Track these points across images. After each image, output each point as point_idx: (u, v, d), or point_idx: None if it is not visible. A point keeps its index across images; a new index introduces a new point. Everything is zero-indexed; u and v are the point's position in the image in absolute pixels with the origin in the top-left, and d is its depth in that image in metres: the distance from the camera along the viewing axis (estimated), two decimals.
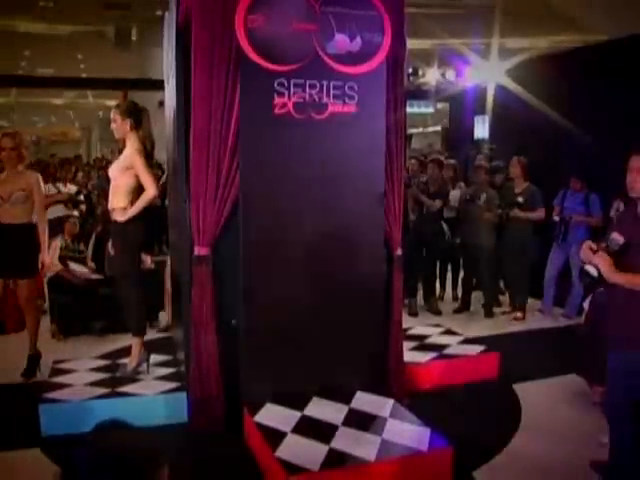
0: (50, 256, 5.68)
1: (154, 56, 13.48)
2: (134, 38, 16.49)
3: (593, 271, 3.19)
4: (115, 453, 1.37)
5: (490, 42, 13.57)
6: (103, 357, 5.28)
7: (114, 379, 4.69)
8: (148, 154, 4.67)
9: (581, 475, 3.80)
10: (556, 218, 7.23)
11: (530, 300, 7.53)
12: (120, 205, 4.53)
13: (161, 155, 6.43)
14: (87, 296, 6.48)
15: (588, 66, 7.81)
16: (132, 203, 4.52)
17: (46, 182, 8.80)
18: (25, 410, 4.36)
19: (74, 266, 6.76)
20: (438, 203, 7.42)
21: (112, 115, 4.67)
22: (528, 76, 8.91)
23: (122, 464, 1.35)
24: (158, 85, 6.36)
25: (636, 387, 3.20)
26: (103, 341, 6.15)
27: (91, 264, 6.96)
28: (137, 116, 4.64)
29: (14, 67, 19.58)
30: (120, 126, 4.63)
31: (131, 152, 4.56)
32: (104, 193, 9.79)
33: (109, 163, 15.63)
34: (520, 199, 7.22)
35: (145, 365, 4.80)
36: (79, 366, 5.01)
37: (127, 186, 4.53)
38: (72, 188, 9.31)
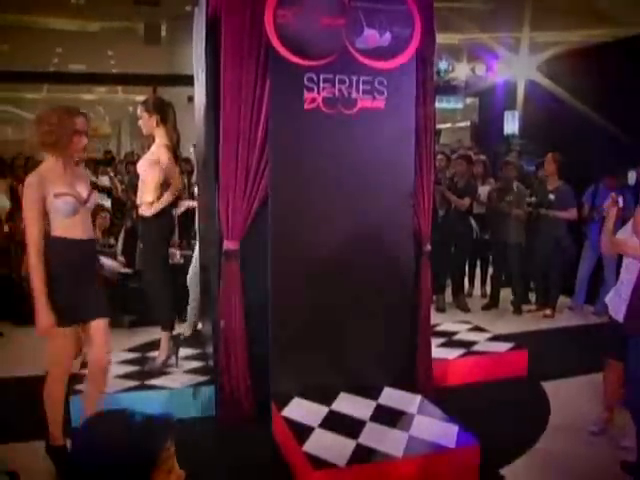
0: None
1: (183, 52, 13.55)
2: (164, 34, 16.61)
3: None
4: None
5: (520, 36, 13.43)
6: (133, 350, 5.33)
7: (143, 372, 4.74)
8: (175, 149, 4.71)
9: (610, 476, 3.75)
10: (595, 215, 7.08)
11: (560, 297, 7.45)
12: (148, 200, 4.56)
13: (186, 152, 6.47)
14: (117, 290, 6.56)
15: (620, 60, 7.68)
16: (159, 198, 4.55)
17: None
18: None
19: (104, 260, 6.84)
20: (467, 201, 7.36)
21: (139, 112, 4.70)
22: (559, 71, 8.80)
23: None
24: (187, 81, 6.40)
25: None
26: (133, 334, 6.22)
27: (121, 258, 7.04)
28: (163, 111, 4.67)
29: (46, 64, 19.85)
30: (147, 122, 4.66)
31: (158, 147, 4.60)
32: (133, 188, 9.93)
33: (139, 158, 15.82)
34: (552, 197, 7.13)
35: (174, 358, 4.84)
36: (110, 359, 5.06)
37: (154, 181, 4.56)
38: (104, 179, 9.38)
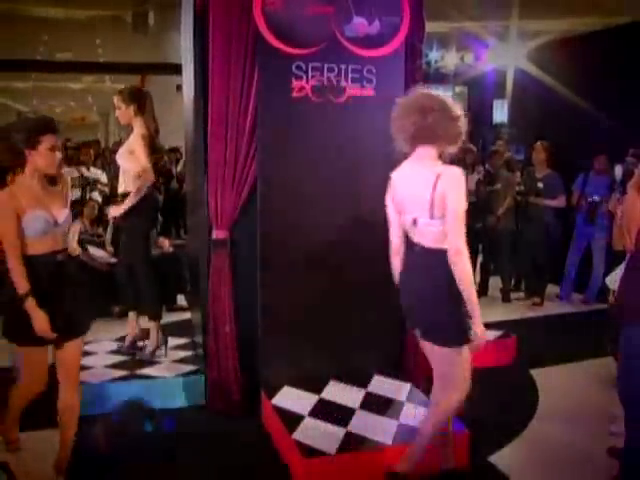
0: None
1: (172, 40, 13.45)
2: (152, 22, 16.45)
3: None
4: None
5: (509, 24, 13.40)
6: (121, 340, 5.32)
7: (133, 362, 4.74)
8: (153, 139, 4.69)
9: (598, 461, 3.79)
10: (583, 203, 7.11)
11: (549, 286, 7.49)
12: (129, 189, 4.56)
13: (175, 140, 6.43)
14: (106, 279, 6.53)
15: (610, 48, 7.70)
16: (140, 188, 4.52)
17: (68, 165, 8.88)
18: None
19: (93, 250, 6.82)
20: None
21: (115, 102, 4.67)
22: (549, 59, 8.81)
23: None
24: (176, 69, 6.36)
25: None
26: (121, 324, 6.19)
27: (110, 248, 7.01)
28: (140, 101, 4.65)
29: (32, 52, 19.65)
30: (125, 112, 4.63)
31: (135, 137, 4.59)
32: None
33: None
34: (540, 185, 7.16)
35: (163, 348, 4.84)
36: (98, 349, 5.05)
37: (133, 171, 4.56)
38: (97, 172, 9.32)
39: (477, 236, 7.83)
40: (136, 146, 4.53)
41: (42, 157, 3.17)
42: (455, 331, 3.02)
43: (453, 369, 3.11)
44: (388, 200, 3.23)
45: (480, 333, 2.98)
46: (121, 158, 4.63)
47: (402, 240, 3.22)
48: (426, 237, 3.04)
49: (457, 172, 2.97)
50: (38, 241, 3.20)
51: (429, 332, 3.13)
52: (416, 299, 3.15)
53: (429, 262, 3.05)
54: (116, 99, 4.67)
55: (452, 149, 3.10)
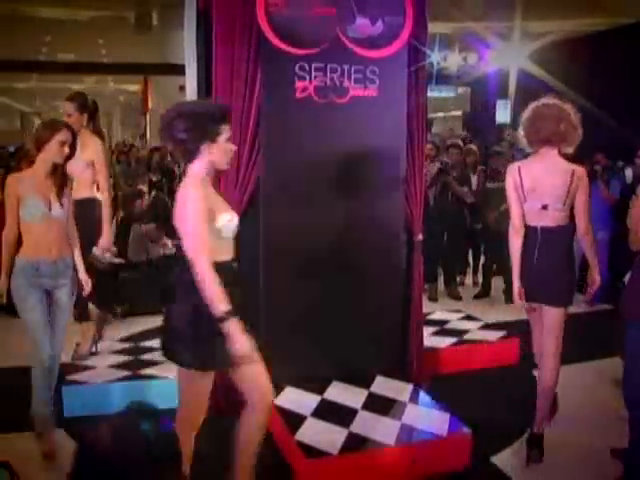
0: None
1: (175, 40, 13.48)
2: (155, 22, 16.47)
3: None
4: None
5: (513, 25, 13.41)
6: (125, 340, 5.33)
7: (136, 362, 4.75)
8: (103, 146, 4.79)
9: (601, 462, 3.79)
10: None
11: None
12: (84, 196, 4.60)
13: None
14: (109, 279, 6.54)
15: (614, 49, 7.70)
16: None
17: None
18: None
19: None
20: (470, 197, 7.40)
21: (66, 108, 4.67)
22: (552, 59, 8.82)
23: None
24: (179, 70, 6.36)
25: None
26: (125, 324, 6.21)
27: (113, 248, 7.01)
28: (92, 110, 4.69)
29: (35, 53, 19.70)
30: (77, 120, 4.59)
31: (92, 148, 4.64)
32: (125, 178, 9.89)
33: (132, 147, 15.73)
34: None
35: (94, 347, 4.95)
36: (101, 349, 5.07)
37: (90, 179, 4.66)
38: None
39: (480, 236, 7.85)
40: (96, 157, 4.59)
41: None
42: (571, 292, 3.93)
43: (561, 326, 3.88)
44: (511, 190, 3.76)
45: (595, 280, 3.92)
46: (76, 168, 4.48)
47: (522, 222, 3.77)
48: (552, 219, 3.69)
49: (584, 171, 3.69)
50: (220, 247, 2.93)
51: (555, 296, 3.80)
52: (550, 267, 3.75)
53: (556, 237, 3.74)
54: (67, 105, 4.66)
55: (569, 150, 3.76)
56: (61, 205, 3.71)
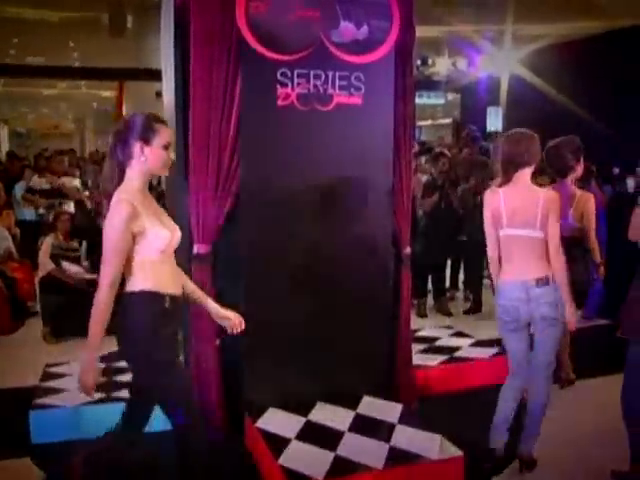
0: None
1: (151, 45, 13.48)
2: (130, 25, 16.46)
3: None
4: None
5: (504, 29, 13.53)
6: (100, 360, 5.28)
7: (110, 383, 4.71)
8: None
9: None
10: None
11: None
12: None
13: None
14: (81, 296, 6.50)
15: (606, 53, 7.80)
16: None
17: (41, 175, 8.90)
18: (14, 417, 4.36)
19: (67, 265, 6.79)
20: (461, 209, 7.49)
21: None
22: (544, 65, 8.91)
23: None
24: (155, 75, 6.38)
25: None
26: (105, 342, 6.15)
27: (85, 263, 6.99)
28: None
29: (2, 56, 19.59)
30: None
31: None
32: (97, 187, 9.83)
33: (104, 156, 15.64)
34: None
35: None
36: (72, 370, 5.01)
37: None
38: (75, 182, 9.31)
39: (466, 249, 7.85)
40: None
41: None
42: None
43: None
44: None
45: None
46: None
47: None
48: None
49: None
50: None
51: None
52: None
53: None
54: None
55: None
56: None
